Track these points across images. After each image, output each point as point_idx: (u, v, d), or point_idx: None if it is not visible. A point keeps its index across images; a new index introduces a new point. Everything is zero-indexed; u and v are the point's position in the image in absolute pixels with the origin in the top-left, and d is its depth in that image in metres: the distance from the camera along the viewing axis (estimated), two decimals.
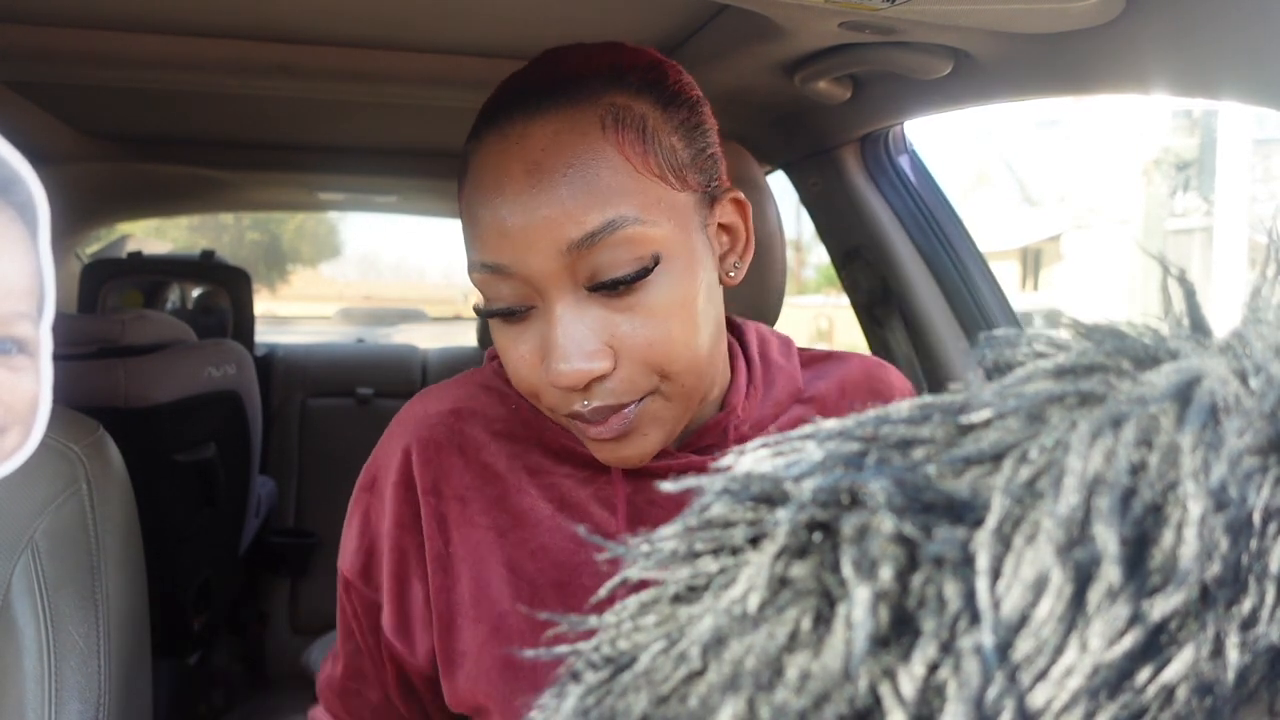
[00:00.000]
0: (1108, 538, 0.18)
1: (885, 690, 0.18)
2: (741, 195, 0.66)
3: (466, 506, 0.67)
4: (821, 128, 1.31)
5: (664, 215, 0.58)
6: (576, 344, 0.57)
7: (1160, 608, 0.18)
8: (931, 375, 1.34)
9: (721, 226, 0.65)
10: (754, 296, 1.12)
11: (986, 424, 0.21)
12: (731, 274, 0.66)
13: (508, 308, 0.60)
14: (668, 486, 0.24)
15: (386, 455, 0.71)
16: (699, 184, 0.62)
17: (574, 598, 0.65)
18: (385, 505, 0.69)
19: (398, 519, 0.68)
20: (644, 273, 0.57)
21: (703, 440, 0.68)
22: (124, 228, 3.26)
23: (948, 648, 0.18)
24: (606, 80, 0.60)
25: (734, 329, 0.75)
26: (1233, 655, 0.18)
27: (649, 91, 0.61)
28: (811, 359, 0.76)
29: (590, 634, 0.24)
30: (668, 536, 0.23)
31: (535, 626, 0.64)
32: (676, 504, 0.71)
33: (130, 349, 1.65)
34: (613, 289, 0.57)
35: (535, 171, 0.57)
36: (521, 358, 0.60)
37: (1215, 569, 0.18)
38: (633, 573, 0.23)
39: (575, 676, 0.23)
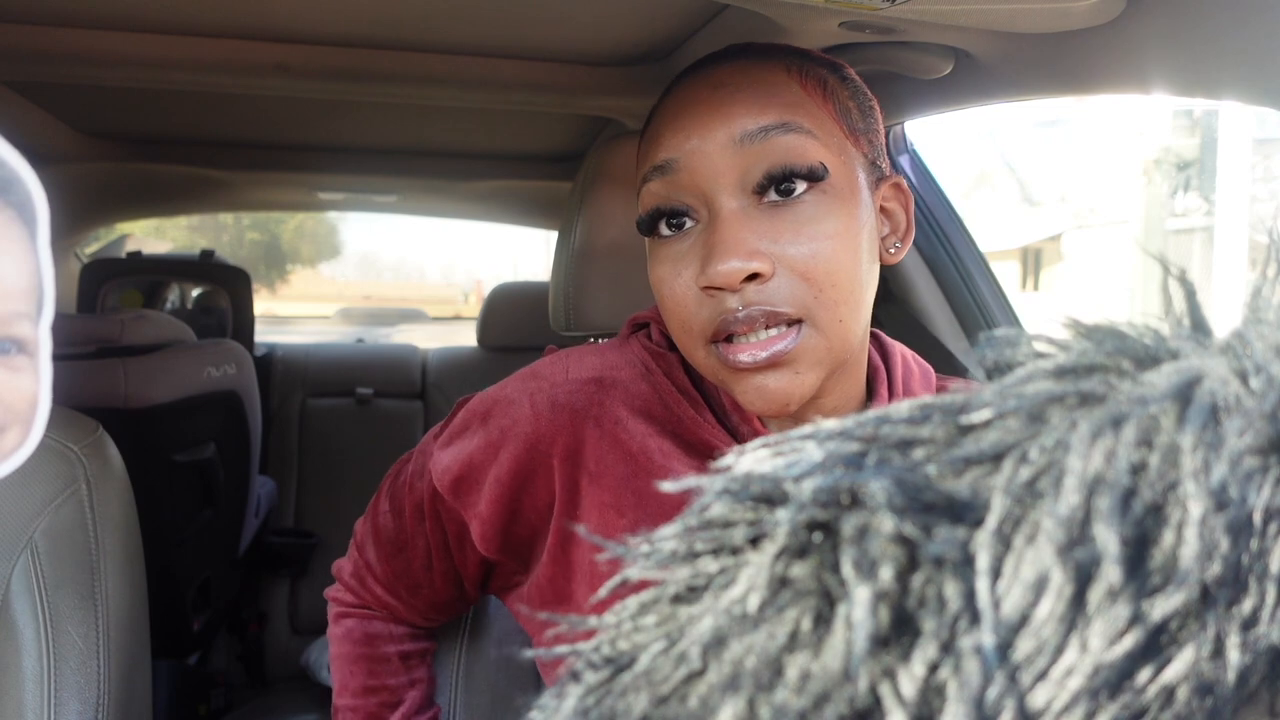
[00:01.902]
0: (1108, 538, 0.18)
1: (885, 690, 0.18)
2: (904, 182, 0.69)
3: (596, 482, 0.67)
4: None
5: (836, 147, 0.62)
6: (738, 240, 0.59)
7: (1161, 608, 0.18)
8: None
9: (884, 209, 0.68)
10: None
11: (986, 424, 0.21)
12: (892, 251, 0.69)
13: (670, 209, 0.62)
14: (667, 486, 0.24)
15: (513, 401, 0.70)
16: (868, 150, 0.66)
17: None
18: (504, 450, 0.69)
19: (516, 468, 0.68)
20: (813, 175, 0.60)
21: None
22: (124, 228, 3.26)
23: (948, 648, 0.18)
24: (794, 52, 0.66)
25: (882, 348, 0.76)
26: (1233, 655, 0.18)
27: (828, 68, 0.66)
28: (945, 387, 0.76)
29: (590, 634, 0.24)
30: (668, 536, 0.23)
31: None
32: None
33: (130, 349, 1.65)
34: (782, 191, 0.60)
35: (721, 86, 0.62)
36: (683, 280, 0.62)
37: (1216, 569, 0.18)
38: (633, 573, 0.23)
39: (575, 676, 0.23)
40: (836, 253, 0.60)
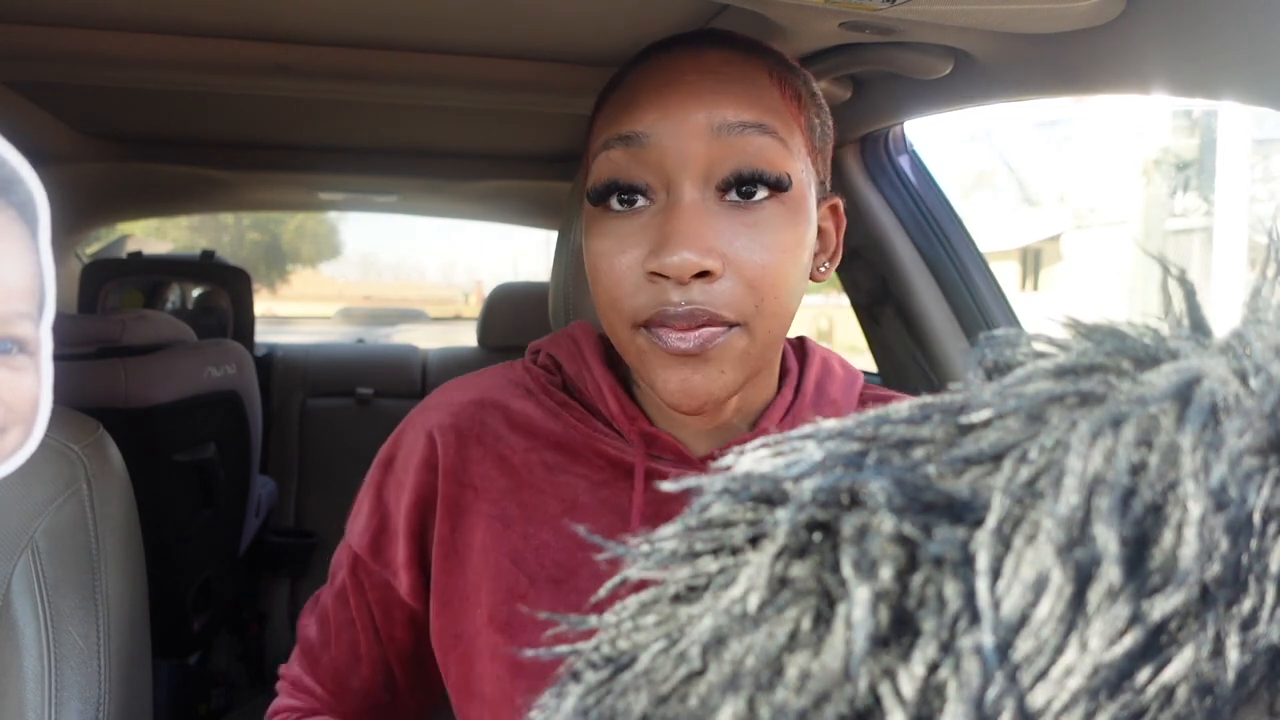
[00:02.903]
0: (1108, 538, 0.18)
1: (885, 690, 0.18)
2: (840, 205, 0.70)
3: (479, 496, 0.68)
4: None
5: (800, 160, 0.62)
6: (695, 235, 0.58)
7: (1160, 608, 0.18)
8: (931, 375, 1.34)
9: (820, 229, 0.68)
10: None
11: (986, 424, 0.21)
12: (822, 270, 0.69)
13: (627, 184, 0.60)
14: (668, 486, 0.24)
15: (410, 436, 0.72)
16: (822, 172, 0.67)
17: (569, 597, 0.65)
18: (405, 482, 0.70)
19: (417, 497, 0.69)
20: (779, 185, 0.60)
21: (725, 453, 0.68)
22: (124, 228, 3.26)
23: (948, 648, 0.18)
24: (773, 53, 0.66)
25: (802, 353, 0.75)
26: (1233, 655, 0.18)
27: (802, 80, 0.66)
28: (871, 397, 0.75)
29: (590, 634, 0.24)
30: (668, 536, 0.23)
31: (531, 621, 0.64)
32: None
33: (130, 349, 1.65)
34: (743, 193, 0.59)
35: (707, 73, 0.61)
36: (625, 258, 0.60)
37: (1215, 569, 0.18)
38: (633, 573, 0.23)
39: (575, 676, 0.23)
40: (784, 265, 0.60)
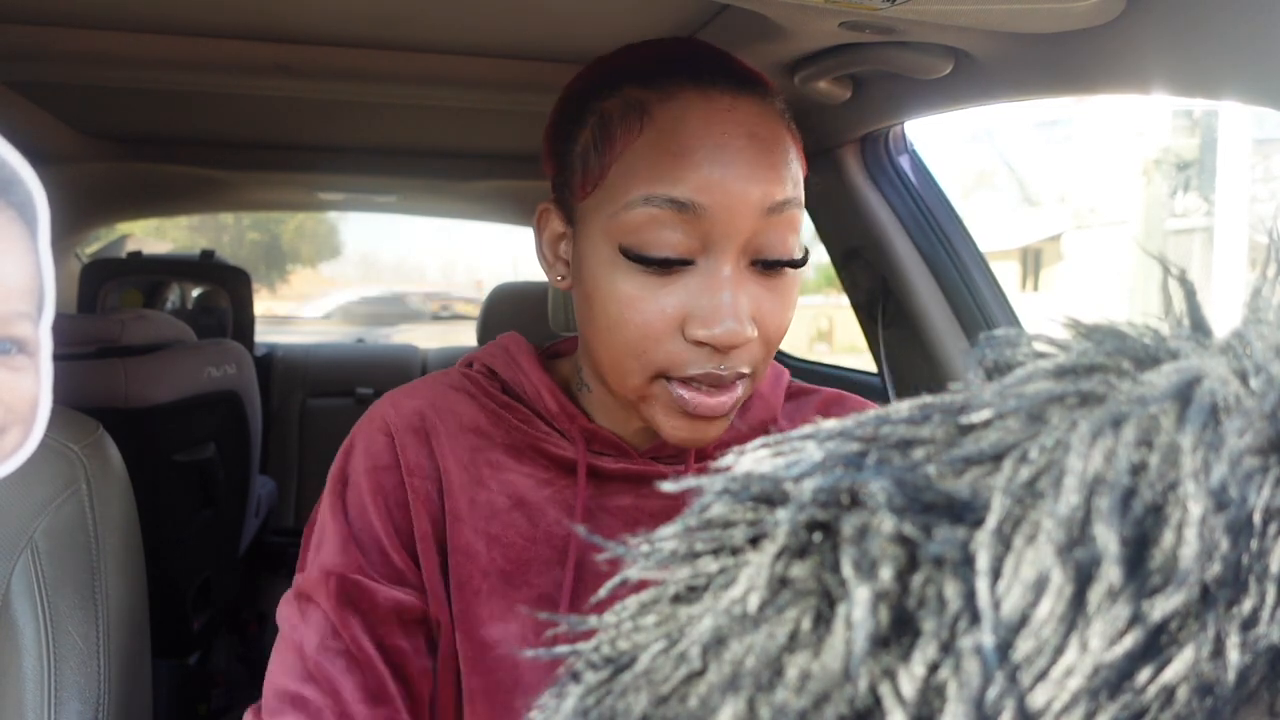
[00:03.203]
0: (1108, 538, 0.18)
1: (885, 690, 0.18)
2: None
3: (431, 492, 0.68)
4: (821, 128, 1.31)
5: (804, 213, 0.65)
6: (742, 307, 0.60)
7: (1161, 608, 0.18)
8: (931, 375, 1.34)
9: None
10: None
11: (986, 424, 0.21)
12: None
13: (666, 257, 0.60)
14: (668, 486, 0.24)
15: (363, 450, 0.70)
16: None
17: (519, 590, 0.67)
18: (373, 489, 0.68)
19: (391, 506, 0.68)
20: (802, 261, 0.63)
21: (664, 450, 0.71)
22: (124, 228, 3.26)
23: (948, 648, 0.18)
24: (774, 90, 0.66)
25: None
26: (1233, 655, 0.18)
27: (790, 115, 0.67)
28: (798, 391, 0.79)
29: (590, 634, 0.23)
30: (668, 537, 0.23)
31: (486, 614, 0.66)
32: (629, 512, 0.71)
33: (130, 349, 1.65)
34: (770, 270, 0.62)
35: (755, 139, 0.61)
36: (661, 311, 0.61)
37: (1215, 569, 0.18)
38: (633, 573, 0.23)
39: (575, 676, 0.23)
40: (790, 318, 0.65)
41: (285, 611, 0.68)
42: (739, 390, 0.63)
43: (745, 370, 0.62)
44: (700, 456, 0.71)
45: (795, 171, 0.63)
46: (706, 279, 0.60)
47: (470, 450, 0.69)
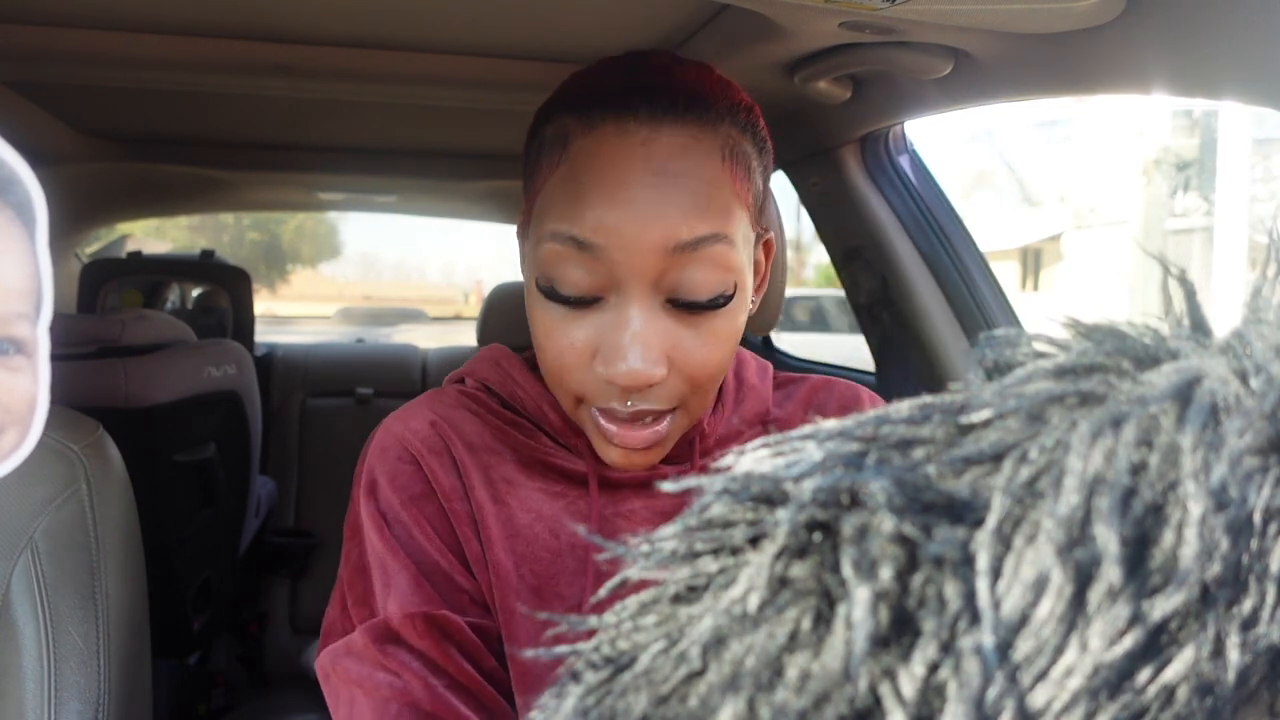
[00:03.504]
0: (1108, 538, 0.18)
1: (885, 690, 0.18)
2: (773, 239, 0.70)
3: (467, 512, 0.68)
4: (821, 128, 1.31)
5: (743, 247, 0.62)
6: (646, 348, 0.59)
7: (1161, 608, 0.18)
8: (931, 375, 1.34)
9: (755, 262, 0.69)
10: None
11: (986, 424, 0.21)
12: (750, 304, 0.68)
13: (575, 295, 0.60)
14: (668, 486, 0.24)
15: (389, 479, 0.68)
16: (761, 225, 0.67)
17: (549, 603, 0.67)
18: (417, 521, 0.66)
19: (442, 529, 0.67)
20: (724, 301, 0.60)
21: (671, 452, 0.71)
22: (124, 228, 3.26)
23: (948, 648, 0.18)
24: (722, 111, 0.62)
25: (736, 365, 0.78)
26: (1233, 655, 0.18)
27: (750, 133, 0.64)
28: (785, 380, 0.79)
29: (590, 634, 0.23)
30: (668, 537, 0.23)
31: (529, 634, 0.65)
32: (640, 515, 0.71)
33: (130, 349, 1.65)
34: (688, 309, 0.60)
35: (662, 174, 0.58)
36: (571, 344, 0.61)
37: (1215, 569, 0.18)
38: (633, 573, 0.23)
39: (575, 676, 0.23)
40: (723, 353, 0.62)
41: (352, 667, 0.63)
42: (664, 425, 0.62)
43: (662, 408, 0.61)
44: (704, 455, 0.71)
45: (724, 204, 0.60)
46: (613, 317, 0.60)
47: (484, 469, 0.69)
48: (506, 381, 0.72)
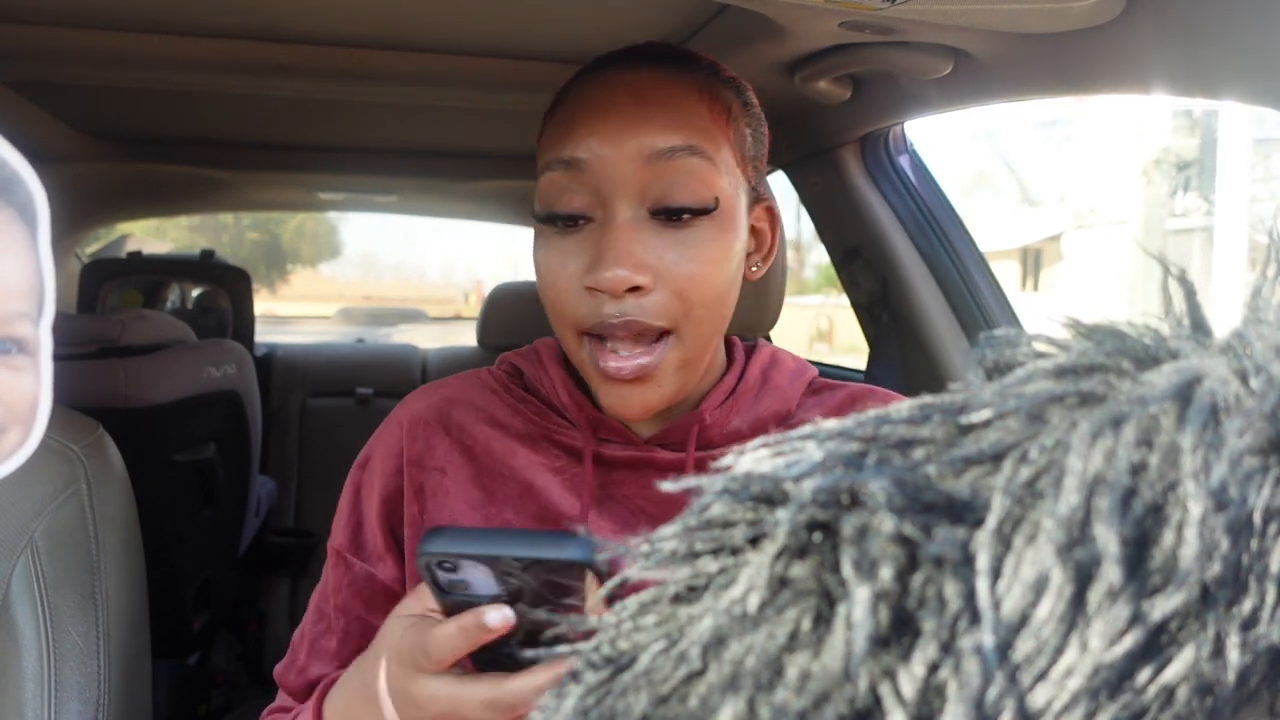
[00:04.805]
0: (1108, 538, 0.18)
1: (885, 690, 0.18)
2: (776, 206, 0.74)
3: (444, 478, 0.73)
4: (821, 128, 1.31)
5: (728, 175, 0.66)
6: (628, 253, 0.63)
7: (1161, 608, 0.18)
8: (931, 375, 1.34)
9: (754, 228, 0.73)
10: (754, 296, 1.12)
11: (986, 424, 0.21)
12: (754, 269, 0.73)
13: (568, 213, 0.65)
14: (668, 486, 0.24)
15: (381, 435, 0.77)
16: (753, 177, 0.70)
17: None
18: (375, 479, 0.75)
19: (387, 487, 0.74)
20: (705, 210, 0.64)
21: (668, 437, 0.73)
22: (124, 228, 3.26)
23: (948, 648, 0.18)
24: (705, 66, 0.70)
25: (752, 348, 0.79)
26: (1233, 655, 0.18)
27: (734, 90, 0.70)
28: (822, 386, 0.79)
29: (590, 634, 0.24)
30: (668, 536, 0.23)
31: None
32: (634, 497, 0.73)
33: (130, 349, 1.65)
34: (673, 216, 0.64)
35: (639, 98, 0.65)
36: (566, 269, 0.65)
37: (1216, 569, 0.18)
38: (633, 573, 0.23)
39: (575, 676, 0.23)
40: (711, 275, 0.65)
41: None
42: (655, 354, 0.65)
43: (655, 323, 0.64)
44: (702, 444, 0.72)
45: (701, 126, 0.65)
46: (601, 229, 0.64)
47: (486, 439, 0.74)
48: (536, 366, 0.77)
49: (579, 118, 0.65)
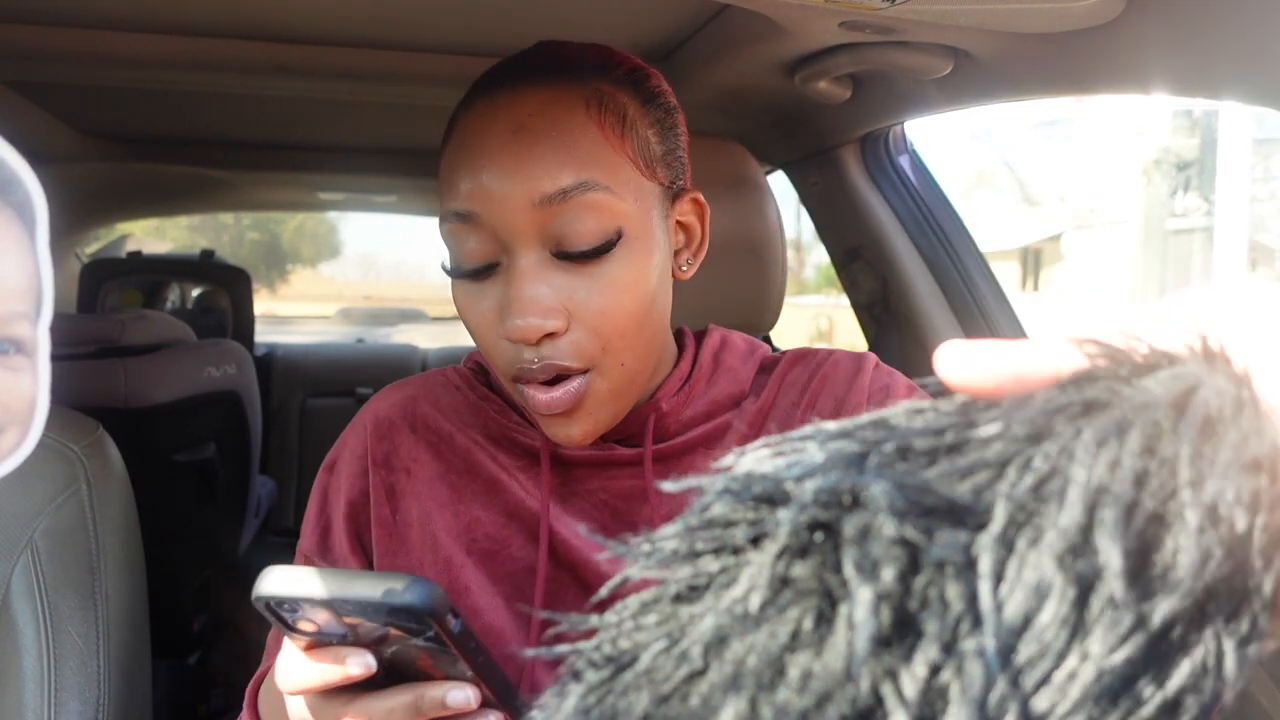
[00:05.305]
0: (1112, 552, 0.18)
1: (888, 691, 0.18)
2: (701, 197, 0.70)
3: (412, 477, 0.72)
4: (821, 128, 1.31)
5: (631, 195, 0.63)
6: (534, 300, 0.60)
7: (1161, 614, 0.18)
8: (932, 375, 1.33)
9: (680, 224, 0.69)
10: (754, 296, 1.12)
11: (990, 427, 0.21)
12: (684, 268, 0.70)
13: (473, 267, 0.63)
14: (669, 487, 0.24)
15: (347, 438, 0.76)
16: (666, 178, 0.66)
17: (504, 565, 0.70)
18: (341, 482, 0.74)
19: (351, 495, 0.73)
20: (607, 246, 0.61)
21: (625, 430, 0.71)
22: (124, 227, 3.26)
23: (950, 649, 0.18)
24: (594, 69, 0.65)
25: (700, 333, 0.77)
26: (1230, 664, 0.18)
27: (632, 87, 0.66)
28: (770, 362, 0.77)
29: (591, 633, 0.24)
30: (669, 536, 0.23)
31: (467, 590, 0.69)
32: (596, 493, 0.72)
33: (130, 349, 1.65)
34: (576, 259, 0.61)
35: (520, 131, 0.61)
36: (482, 315, 0.64)
37: (1213, 578, 0.18)
38: (634, 572, 0.23)
39: (576, 675, 0.23)
40: (627, 303, 0.62)
41: None
42: (576, 384, 0.62)
43: (572, 365, 0.61)
44: (659, 435, 0.71)
45: (591, 153, 0.61)
46: (507, 277, 0.62)
47: (450, 437, 0.73)
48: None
49: (463, 164, 0.62)
